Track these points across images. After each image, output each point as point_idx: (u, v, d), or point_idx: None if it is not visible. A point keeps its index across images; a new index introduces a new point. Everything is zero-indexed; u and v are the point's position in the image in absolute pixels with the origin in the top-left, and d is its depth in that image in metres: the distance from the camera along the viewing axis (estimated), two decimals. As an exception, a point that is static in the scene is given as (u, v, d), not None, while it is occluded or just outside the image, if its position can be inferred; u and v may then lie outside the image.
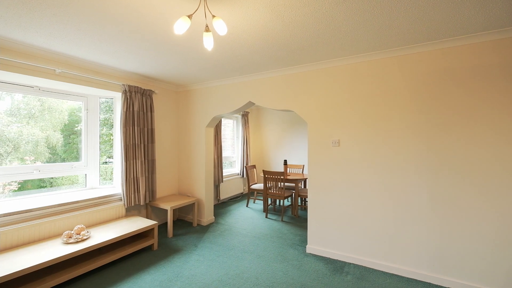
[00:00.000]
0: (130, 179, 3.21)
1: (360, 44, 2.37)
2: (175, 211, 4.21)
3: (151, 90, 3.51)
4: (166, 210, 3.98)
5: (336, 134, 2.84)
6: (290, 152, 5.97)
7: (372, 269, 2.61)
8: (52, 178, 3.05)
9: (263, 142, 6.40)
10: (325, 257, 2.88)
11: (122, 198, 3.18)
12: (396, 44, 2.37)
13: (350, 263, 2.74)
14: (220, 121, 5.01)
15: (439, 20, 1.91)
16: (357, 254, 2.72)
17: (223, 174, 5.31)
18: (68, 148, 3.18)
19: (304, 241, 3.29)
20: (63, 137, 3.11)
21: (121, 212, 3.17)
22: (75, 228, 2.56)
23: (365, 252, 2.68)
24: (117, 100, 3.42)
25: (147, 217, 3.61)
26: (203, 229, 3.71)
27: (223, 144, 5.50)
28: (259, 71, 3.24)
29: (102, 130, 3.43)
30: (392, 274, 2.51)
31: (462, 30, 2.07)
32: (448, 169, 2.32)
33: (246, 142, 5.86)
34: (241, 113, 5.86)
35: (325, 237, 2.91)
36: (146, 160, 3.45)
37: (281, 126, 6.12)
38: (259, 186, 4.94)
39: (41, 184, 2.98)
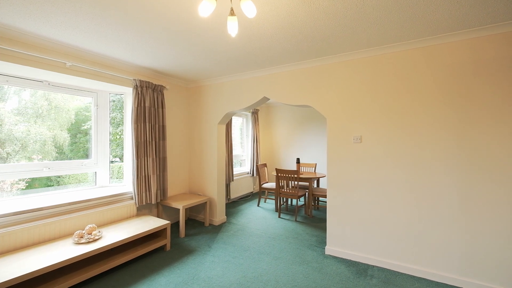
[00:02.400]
0: (141, 177, 3.11)
1: (386, 34, 2.22)
2: (186, 210, 4.11)
3: (162, 86, 3.41)
4: (178, 210, 3.88)
5: (357, 130, 2.70)
6: (301, 151, 5.83)
7: (398, 272, 2.47)
8: (59, 177, 2.96)
9: (273, 140, 6.27)
10: (346, 259, 2.74)
11: (134, 196, 3.07)
12: (422, 34, 2.22)
13: (374, 265, 2.59)
14: (230, 119, 4.89)
15: (467, 8, 1.76)
16: (381, 257, 2.58)
17: (234, 173, 5.19)
18: (74, 147, 3.09)
19: (321, 242, 3.15)
20: (69, 136, 3.02)
21: (132, 211, 3.07)
22: (87, 227, 2.46)
23: (390, 254, 2.54)
24: (128, 96, 3.32)
25: (158, 217, 3.51)
26: (216, 229, 3.59)
27: (233, 142, 5.38)
28: (275, 65, 3.11)
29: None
30: (420, 278, 2.36)
31: (491, 19, 1.91)
32: (479, 166, 2.16)
33: (256, 140, 5.73)
34: (251, 110, 5.73)
35: (346, 238, 2.77)
36: (158, 158, 3.34)
37: (291, 123, 5.98)
38: (271, 185, 4.81)
39: (48, 183, 2.89)
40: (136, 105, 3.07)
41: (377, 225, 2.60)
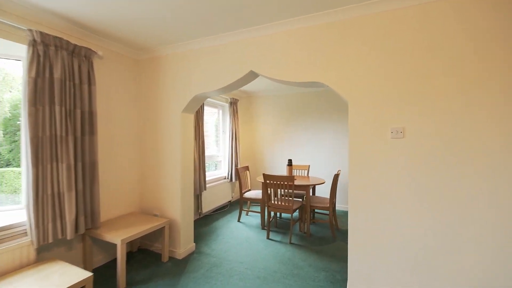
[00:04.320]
0: (45, 197, 1.85)
1: None
2: (133, 243, 2.87)
3: (90, 50, 2.16)
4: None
5: (398, 119, 1.74)
6: (291, 150, 4.84)
7: None
8: None
9: (256, 137, 5.19)
10: (381, 318, 1.77)
11: (29, 230, 1.80)
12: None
13: (428, 330, 1.66)
14: (202, 109, 3.72)
15: None
16: (440, 316, 1.65)
17: (206, 179, 4.03)
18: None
19: (334, 281, 2.17)
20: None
21: (26, 256, 1.80)
22: None
23: (454, 314, 1.61)
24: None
25: (84, 257, 2.25)
26: (179, 267, 2.43)
27: (206, 139, 4.21)
28: (266, 21, 2.03)
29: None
30: None
31: None
32: None
33: (234, 137, 4.62)
34: (229, 100, 4.61)
35: (379, 276, 1.80)
36: (81, 163, 2.09)
37: (278, 117, 4.95)
38: (255, 194, 3.74)
39: None
40: (34, 75, 1.80)
41: (431, 259, 1.66)
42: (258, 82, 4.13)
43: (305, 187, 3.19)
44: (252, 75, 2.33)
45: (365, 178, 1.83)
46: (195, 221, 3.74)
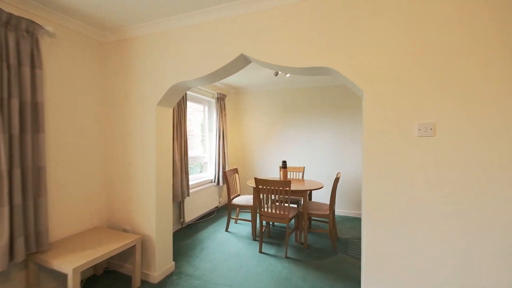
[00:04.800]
0: (-40, 217, 1.35)
1: None
2: (95, 265, 2.39)
3: (34, 24, 1.68)
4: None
5: (427, 113, 1.39)
6: (284, 150, 4.46)
7: None
8: None
9: (246, 136, 4.78)
10: None
11: None
12: None
13: None
14: (185, 105, 3.27)
15: None
16: None
17: (190, 184, 3.58)
18: None
19: (343, 312, 1.80)
20: None
21: None
22: None
23: None
24: None
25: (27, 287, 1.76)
26: (153, 295, 1.99)
27: (189, 139, 3.76)
28: (262, -11, 1.64)
29: None
30: None
31: None
32: None
33: (222, 137, 4.19)
34: (216, 96, 4.17)
35: (403, 318, 1.45)
36: (19, 170, 1.60)
37: (270, 114, 4.56)
38: (245, 200, 3.33)
39: None
40: None
41: (472, 297, 1.32)
42: (248, 74, 3.73)
43: (302, 193, 2.82)
44: (242, 60, 1.92)
45: (384, 187, 1.47)
46: (176, 233, 3.28)
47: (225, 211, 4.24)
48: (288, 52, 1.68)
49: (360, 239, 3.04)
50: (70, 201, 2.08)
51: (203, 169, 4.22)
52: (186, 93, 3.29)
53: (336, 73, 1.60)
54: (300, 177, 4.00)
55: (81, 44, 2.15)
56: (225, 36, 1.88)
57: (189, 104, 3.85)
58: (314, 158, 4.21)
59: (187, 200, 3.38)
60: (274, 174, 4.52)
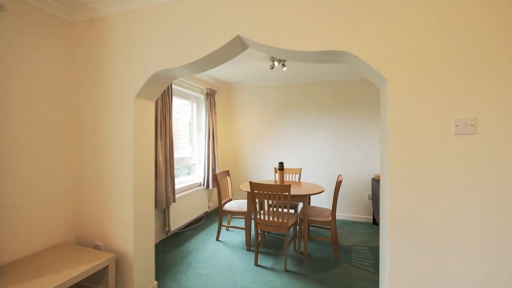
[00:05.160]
0: None
1: None
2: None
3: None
4: None
5: (466, 106, 1.15)
6: (279, 150, 4.19)
7: None
8: None
9: (238, 135, 4.47)
10: None
11: None
12: None
13: None
14: (170, 99, 2.92)
15: None
16: None
17: (176, 188, 3.23)
18: None
19: None
20: None
21: None
22: None
23: None
24: None
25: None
26: (129, 326, 1.64)
27: (176, 138, 3.41)
28: (263, -46, 1.35)
29: None
30: None
31: None
32: None
33: (212, 136, 3.86)
34: (205, 91, 3.84)
35: None
36: None
37: (265, 111, 4.28)
38: (238, 205, 3.03)
39: None
40: None
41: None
42: (241, 68, 3.43)
43: (303, 197, 2.55)
44: (238, 44, 1.62)
45: (410, 200, 1.22)
46: (160, 244, 2.92)
47: (215, 216, 3.91)
48: (296, 32, 1.40)
49: (363, 246, 2.81)
50: (28, 213, 1.69)
51: (191, 171, 3.87)
52: (171, 88, 2.94)
53: (354, 58, 1.33)
54: (297, 179, 3.75)
55: (42, 23, 1.77)
56: (218, 14, 1.57)
57: (176, 100, 3.49)
58: (311, 159, 3.96)
59: (172, 207, 3.03)
60: (269, 176, 4.23)
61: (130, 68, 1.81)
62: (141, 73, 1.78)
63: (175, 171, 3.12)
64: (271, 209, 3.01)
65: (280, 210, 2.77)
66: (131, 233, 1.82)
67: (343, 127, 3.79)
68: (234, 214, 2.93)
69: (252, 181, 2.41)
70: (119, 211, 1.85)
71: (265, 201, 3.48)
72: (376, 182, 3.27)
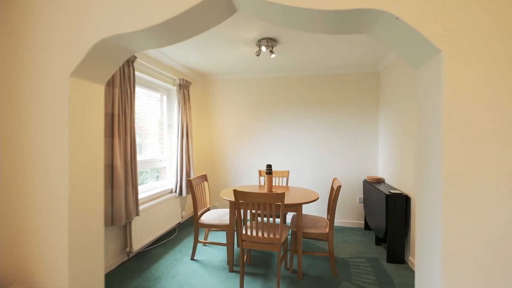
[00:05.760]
0: None
1: None
2: None
3: None
4: None
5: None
6: (264, 150, 3.75)
7: None
8: None
9: (216, 133, 3.96)
10: None
11: None
12: None
13: None
14: (132, 88, 2.35)
15: None
16: None
17: (140, 198, 2.64)
18: None
19: None
20: None
21: None
22: None
23: None
24: None
25: None
26: None
27: (142, 137, 2.82)
28: None
29: None
30: None
31: None
32: None
33: (186, 134, 3.32)
34: (177, 82, 3.28)
35: None
36: None
37: (248, 106, 3.81)
38: (217, 216, 2.54)
39: None
40: None
41: None
42: (219, 56, 2.94)
43: (296, 207, 2.15)
44: (224, 3, 1.16)
45: (479, 215, 0.86)
46: (118, 269, 2.33)
47: (190, 227, 3.37)
48: (306, -20, 0.97)
49: (360, 258, 2.48)
50: None
51: (160, 176, 3.29)
52: (133, 74, 2.36)
53: (393, 22, 0.94)
54: (285, 183, 3.36)
55: None
56: (193, -46, 1.09)
57: (142, 91, 2.91)
58: (299, 160, 3.59)
59: (136, 221, 2.45)
60: (253, 180, 3.78)
61: (63, 34, 1.25)
62: (80, 41, 1.24)
63: (139, 176, 2.55)
64: (259, 222, 2.57)
65: (271, 222, 2.34)
66: (65, 268, 1.26)
67: (333, 125, 3.48)
68: (213, 227, 2.43)
69: (237, 189, 1.94)
70: (48, 237, 1.28)
71: (252, 212, 3.04)
72: (369, 184, 2.99)
